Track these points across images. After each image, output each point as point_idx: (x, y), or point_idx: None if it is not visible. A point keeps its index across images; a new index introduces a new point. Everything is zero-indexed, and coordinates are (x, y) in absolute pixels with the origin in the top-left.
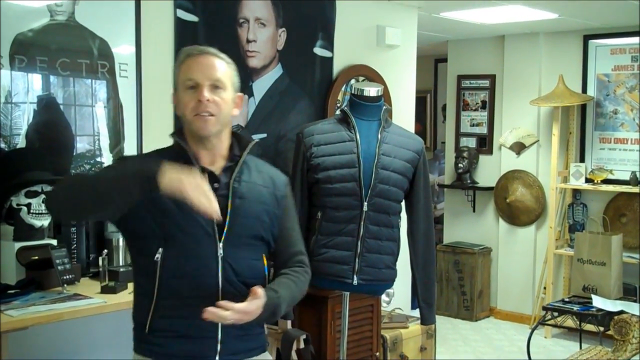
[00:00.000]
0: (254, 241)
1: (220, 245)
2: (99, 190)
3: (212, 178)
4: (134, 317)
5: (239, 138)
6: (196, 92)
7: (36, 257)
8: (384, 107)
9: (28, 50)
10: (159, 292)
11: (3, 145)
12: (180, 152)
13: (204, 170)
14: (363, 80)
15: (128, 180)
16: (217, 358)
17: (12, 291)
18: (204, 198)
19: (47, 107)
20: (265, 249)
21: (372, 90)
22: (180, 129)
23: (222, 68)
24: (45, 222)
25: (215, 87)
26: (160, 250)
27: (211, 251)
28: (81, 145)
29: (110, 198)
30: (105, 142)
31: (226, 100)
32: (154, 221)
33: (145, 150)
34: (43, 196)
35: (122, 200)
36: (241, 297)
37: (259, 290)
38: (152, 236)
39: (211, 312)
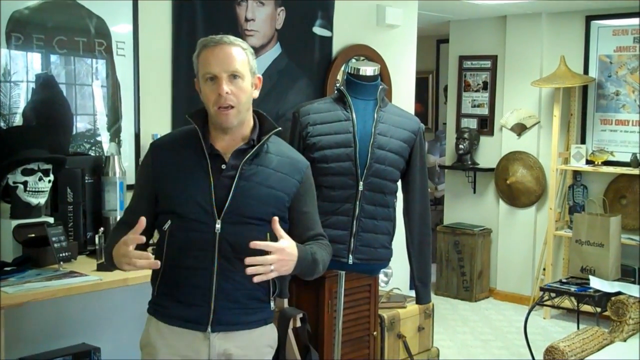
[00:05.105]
0: (257, 221)
1: (219, 221)
2: None
3: (221, 160)
4: (151, 281)
5: (262, 120)
6: (215, 85)
7: (33, 235)
8: (381, 87)
9: (24, 28)
10: (165, 259)
11: (2, 124)
12: (196, 135)
13: (212, 154)
14: (363, 60)
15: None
16: (209, 327)
17: (9, 268)
18: (127, 260)
19: (45, 86)
20: (270, 229)
21: (368, 70)
22: (199, 111)
23: (239, 56)
24: (41, 199)
25: (234, 77)
26: (169, 222)
27: (209, 227)
28: (82, 125)
29: None
30: (102, 120)
31: (244, 88)
32: (165, 200)
33: (142, 130)
34: (39, 174)
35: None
36: (237, 273)
37: (284, 235)
38: (165, 212)
39: (254, 262)
